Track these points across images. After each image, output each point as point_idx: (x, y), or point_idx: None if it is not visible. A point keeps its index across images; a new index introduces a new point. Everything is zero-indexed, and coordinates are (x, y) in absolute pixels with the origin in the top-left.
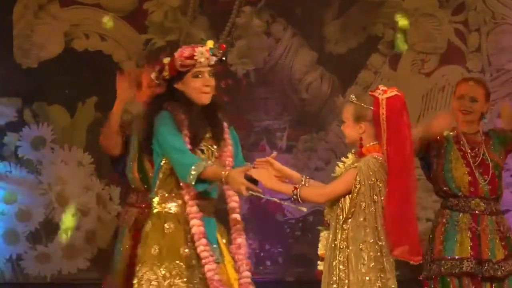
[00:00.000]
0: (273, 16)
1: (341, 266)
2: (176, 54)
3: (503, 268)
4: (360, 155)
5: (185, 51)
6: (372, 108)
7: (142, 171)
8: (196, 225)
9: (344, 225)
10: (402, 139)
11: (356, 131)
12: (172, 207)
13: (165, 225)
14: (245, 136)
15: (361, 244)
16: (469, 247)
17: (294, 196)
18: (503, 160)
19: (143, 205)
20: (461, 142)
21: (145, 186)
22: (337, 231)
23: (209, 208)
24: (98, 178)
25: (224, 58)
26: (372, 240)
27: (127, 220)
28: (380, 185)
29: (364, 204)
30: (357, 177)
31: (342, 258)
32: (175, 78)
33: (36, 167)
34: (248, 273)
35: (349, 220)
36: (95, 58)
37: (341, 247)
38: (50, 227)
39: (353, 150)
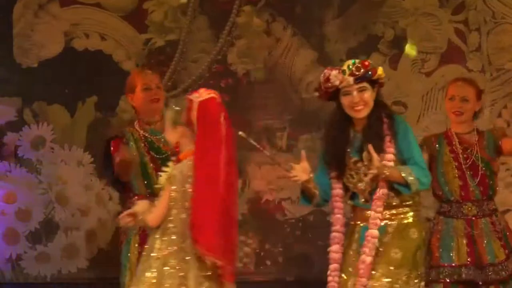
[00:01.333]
0: (273, 16)
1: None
2: (321, 78)
3: (506, 268)
4: (177, 161)
5: (325, 74)
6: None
7: (147, 176)
8: (334, 252)
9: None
10: (215, 143)
11: (173, 136)
12: None
13: None
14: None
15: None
16: (466, 254)
17: None
18: (496, 159)
19: None
20: (454, 143)
21: (149, 191)
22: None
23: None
24: (98, 177)
25: (368, 74)
26: (176, 248)
27: (132, 227)
28: None
29: (175, 211)
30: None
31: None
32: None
33: (36, 167)
34: None
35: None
36: (95, 57)
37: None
38: (50, 227)
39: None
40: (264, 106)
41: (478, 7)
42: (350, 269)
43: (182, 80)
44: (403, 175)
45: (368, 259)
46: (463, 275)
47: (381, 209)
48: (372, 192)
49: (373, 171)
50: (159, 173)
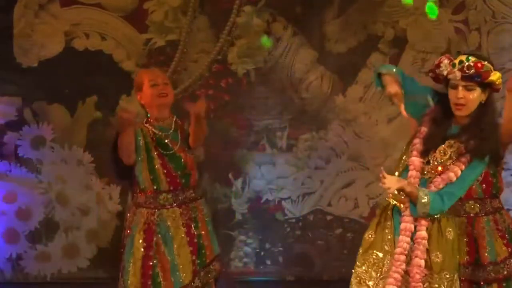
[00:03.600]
0: (273, 15)
1: None
2: (436, 61)
3: (508, 266)
4: None
5: (439, 59)
6: None
7: (153, 171)
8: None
9: None
10: None
11: None
12: None
13: None
14: (245, 135)
15: None
16: (465, 253)
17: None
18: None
19: (152, 206)
20: None
21: (155, 187)
22: None
23: None
24: (98, 177)
25: (477, 77)
26: None
27: (136, 221)
28: None
29: None
30: None
31: None
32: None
33: (36, 166)
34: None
35: None
36: (96, 57)
37: None
38: (50, 226)
39: None
40: (264, 106)
41: (478, 7)
42: (386, 247)
43: (182, 80)
44: (422, 201)
45: (423, 262)
46: (461, 274)
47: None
48: (421, 181)
49: (387, 185)
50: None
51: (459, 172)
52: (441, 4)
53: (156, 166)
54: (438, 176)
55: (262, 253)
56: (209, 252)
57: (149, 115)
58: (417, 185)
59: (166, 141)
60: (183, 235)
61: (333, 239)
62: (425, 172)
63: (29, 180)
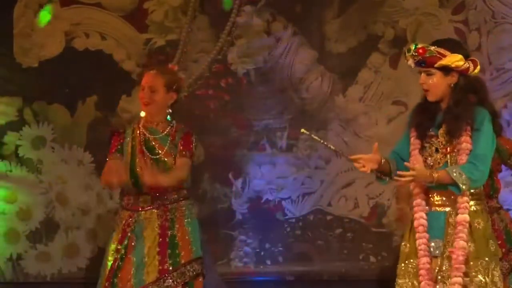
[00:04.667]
0: (273, 15)
1: None
2: None
3: (502, 267)
4: None
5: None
6: None
7: (134, 175)
8: (418, 218)
9: None
10: None
11: None
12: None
13: None
14: (245, 135)
15: None
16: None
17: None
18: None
19: (133, 208)
20: None
21: (137, 189)
22: None
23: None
24: (98, 177)
25: (422, 62)
26: None
27: (117, 224)
28: None
29: None
30: None
31: None
32: None
33: (37, 166)
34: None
35: None
36: (96, 57)
37: None
38: (51, 226)
39: None
40: (264, 105)
41: (478, 7)
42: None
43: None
44: (454, 175)
45: (466, 244)
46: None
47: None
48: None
49: (412, 172)
50: None
51: (469, 142)
52: (441, 4)
53: (137, 169)
54: (452, 154)
55: (262, 253)
56: (184, 253)
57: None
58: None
59: (152, 144)
60: (155, 236)
61: (333, 239)
62: (430, 164)
63: (29, 180)
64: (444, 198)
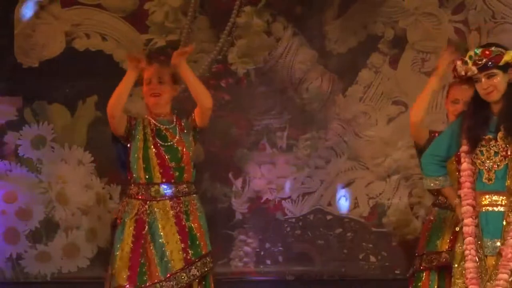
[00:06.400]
0: (274, 16)
1: None
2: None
3: None
4: None
5: (453, 63)
6: None
7: (147, 161)
8: (467, 225)
9: None
10: None
11: None
12: None
13: None
14: (245, 135)
15: None
16: (448, 240)
17: None
18: None
19: (144, 198)
20: None
21: (147, 177)
22: None
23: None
24: (98, 177)
25: (490, 64)
26: None
27: (128, 211)
28: None
29: None
30: None
31: None
32: None
33: (36, 166)
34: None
35: None
36: (96, 57)
37: None
38: (51, 226)
39: None
40: (264, 105)
41: (478, 7)
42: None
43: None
44: None
45: None
46: (443, 260)
47: None
48: (499, 173)
49: None
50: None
51: None
52: (440, 4)
53: (151, 156)
54: None
55: (262, 253)
56: (203, 244)
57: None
58: None
59: (164, 133)
60: (172, 225)
61: (333, 238)
62: (481, 162)
63: (29, 180)
64: (502, 198)
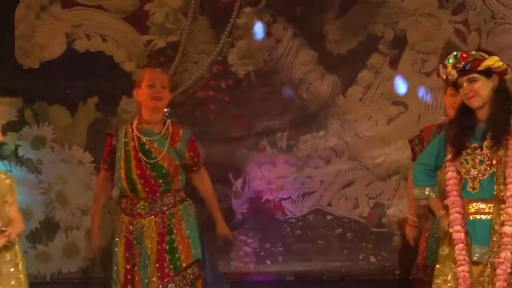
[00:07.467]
0: (274, 17)
1: None
2: None
3: None
4: None
5: (437, 70)
6: None
7: (130, 181)
8: (457, 231)
9: None
10: None
11: None
12: None
13: None
14: (246, 136)
15: None
16: None
17: None
18: None
19: (131, 214)
20: None
21: (133, 194)
22: None
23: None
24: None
25: (467, 67)
26: None
27: (119, 228)
28: None
29: None
30: None
31: None
32: None
33: (36, 166)
34: None
35: None
36: (96, 58)
37: None
38: (51, 226)
39: None
40: (264, 106)
41: (478, 8)
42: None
43: (182, 81)
44: None
45: (509, 254)
46: None
47: None
48: (484, 182)
49: None
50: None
51: None
52: (440, 5)
53: (134, 177)
54: (498, 165)
55: (262, 253)
56: (184, 256)
57: (142, 114)
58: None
59: (148, 147)
60: (155, 243)
61: (333, 239)
62: (466, 170)
63: (29, 180)
64: (489, 205)
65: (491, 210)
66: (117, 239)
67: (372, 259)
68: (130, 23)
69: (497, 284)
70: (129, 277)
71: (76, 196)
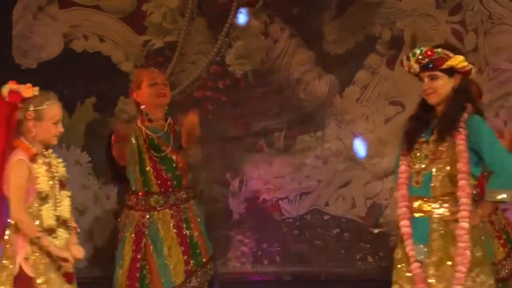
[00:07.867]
0: (271, 17)
1: None
2: None
3: (506, 267)
4: None
5: (401, 59)
6: None
7: (144, 174)
8: (404, 226)
9: None
10: None
11: None
12: None
13: None
14: (243, 136)
15: None
16: None
17: None
18: None
19: (143, 209)
20: None
21: (145, 189)
22: None
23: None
24: (96, 177)
25: (430, 65)
26: None
27: (129, 224)
28: None
29: None
30: None
31: None
32: None
33: None
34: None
35: None
36: (94, 59)
37: None
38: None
39: None
40: (262, 106)
41: (475, 8)
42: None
43: (180, 81)
44: (498, 198)
45: (468, 252)
46: None
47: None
48: (425, 176)
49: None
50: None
51: (463, 147)
52: (438, 5)
53: (147, 169)
54: (440, 159)
55: (259, 253)
56: (204, 252)
57: (147, 112)
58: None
59: (158, 142)
60: (173, 236)
61: (331, 239)
62: (418, 170)
63: None
64: (428, 203)
65: (430, 208)
66: (126, 234)
67: (370, 259)
68: (127, 23)
69: (457, 275)
70: (138, 265)
71: (73, 196)
